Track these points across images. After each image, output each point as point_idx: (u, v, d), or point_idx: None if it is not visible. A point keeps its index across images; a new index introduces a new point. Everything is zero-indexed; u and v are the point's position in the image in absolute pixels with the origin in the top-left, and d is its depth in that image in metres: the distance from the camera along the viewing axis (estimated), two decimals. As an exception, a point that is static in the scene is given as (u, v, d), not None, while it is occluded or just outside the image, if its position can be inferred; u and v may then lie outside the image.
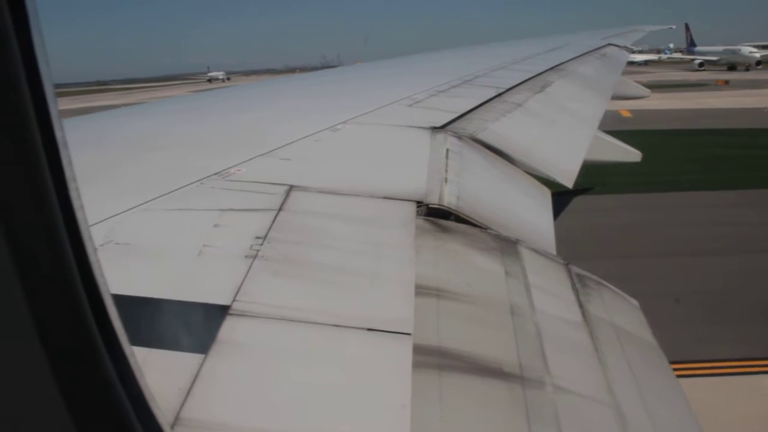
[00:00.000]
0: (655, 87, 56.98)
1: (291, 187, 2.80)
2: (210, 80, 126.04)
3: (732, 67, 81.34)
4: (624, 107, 39.84)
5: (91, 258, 0.86)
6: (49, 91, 0.78)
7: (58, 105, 0.80)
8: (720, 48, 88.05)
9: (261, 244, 2.20)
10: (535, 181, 4.24)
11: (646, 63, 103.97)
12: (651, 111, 40.09)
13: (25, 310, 0.77)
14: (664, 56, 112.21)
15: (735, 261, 13.86)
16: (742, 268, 13.32)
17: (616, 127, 34.08)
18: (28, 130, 0.76)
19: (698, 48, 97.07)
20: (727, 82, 62.28)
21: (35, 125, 0.77)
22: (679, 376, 2.39)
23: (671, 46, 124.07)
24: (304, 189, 2.82)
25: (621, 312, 2.60)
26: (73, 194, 0.83)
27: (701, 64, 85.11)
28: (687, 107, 42.48)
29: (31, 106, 0.76)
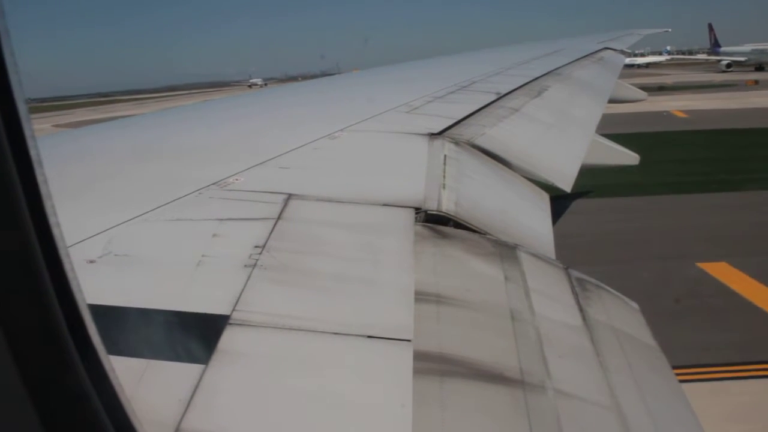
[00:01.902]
0: (687, 89, 56.84)
1: (289, 196, 2.80)
2: (250, 86, 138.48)
3: (759, 68, 78.43)
4: (678, 108, 40.24)
5: (69, 274, 0.86)
6: (22, 110, 0.78)
7: (32, 124, 0.81)
8: (747, 48, 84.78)
9: (260, 253, 2.20)
10: (534, 186, 4.25)
11: (647, 66, 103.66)
12: (704, 111, 39.79)
13: None
14: (661, 58, 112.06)
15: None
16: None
17: (675, 128, 33.72)
18: (1, 150, 0.76)
19: (723, 48, 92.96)
20: (756, 82, 60.87)
21: (7, 145, 0.77)
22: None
23: (668, 48, 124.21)
24: (303, 197, 2.82)
25: (621, 315, 2.60)
26: (49, 211, 0.83)
27: (729, 65, 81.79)
28: (737, 107, 41.69)
29: (2, 125, 0.76)
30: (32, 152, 0.80)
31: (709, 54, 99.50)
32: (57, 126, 58.35)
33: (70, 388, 0.87)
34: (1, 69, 0.76)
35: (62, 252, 0.85)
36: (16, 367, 0.79)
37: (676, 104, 43.78)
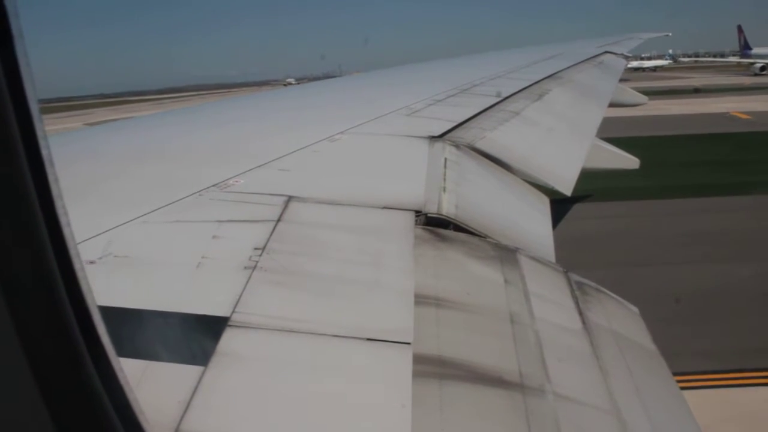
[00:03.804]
0: (723, 91, 55.45)
1: (290, 198, 2.81)
2: (285, 84, 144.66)
3: None
4: (734, 110, 39.35)
5: (79, 274, 0.87)
6: (34, 110, 0.79)
7: (44, 124, 0.81)
8: None
9: (260, 255, 2.20)
10: (534, 189, 4.25)
11: (654, 69, 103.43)
12: (764, 113, 38.60)
13: (10, 324, 0.78)
14: (665, 62, 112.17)
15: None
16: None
17: (747, 129, 32.61)
18: (14, 149, 0.77)
19: (756, 50, 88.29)
20: None
21: (21, 144, 0.77)
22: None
23: (671, 51, 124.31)
24: (303, 200, 2.83)
25: (621, 319, 2.60)
26: (59, 211, 0.83)
27: (763, 68, 77.85)
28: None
29: (16, 125, 0.77)
30: (44, 152, 0.81)
31: (741, 56, 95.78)
32: (88, 124, 58.71)
33: (81, 388, 0.87)
34: (15, 70, 0.76)
35: (72, 252, 0.85)
36: (29, 366, 0.80)
37: (727, 106, 42.76)
